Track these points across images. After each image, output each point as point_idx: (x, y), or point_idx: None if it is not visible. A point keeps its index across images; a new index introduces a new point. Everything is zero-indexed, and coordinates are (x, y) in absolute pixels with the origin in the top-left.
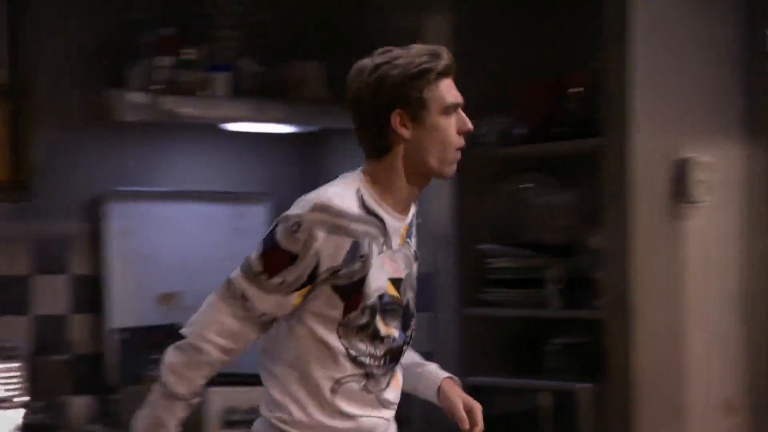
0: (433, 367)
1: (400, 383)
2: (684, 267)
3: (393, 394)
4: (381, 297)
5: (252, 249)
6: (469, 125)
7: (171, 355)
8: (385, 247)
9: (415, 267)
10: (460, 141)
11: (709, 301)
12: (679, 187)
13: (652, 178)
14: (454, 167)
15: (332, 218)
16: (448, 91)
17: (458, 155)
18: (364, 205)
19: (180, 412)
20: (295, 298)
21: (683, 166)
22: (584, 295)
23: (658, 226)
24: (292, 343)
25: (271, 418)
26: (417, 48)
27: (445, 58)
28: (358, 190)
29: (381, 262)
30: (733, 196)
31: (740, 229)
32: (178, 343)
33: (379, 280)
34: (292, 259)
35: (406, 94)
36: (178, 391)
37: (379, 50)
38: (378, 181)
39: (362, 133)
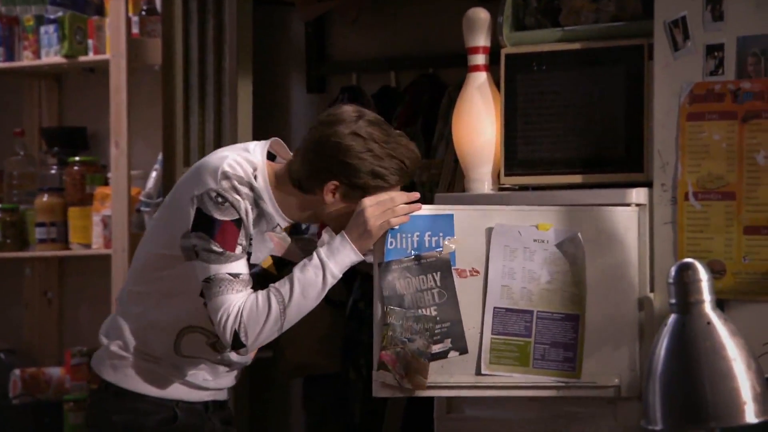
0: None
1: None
2: None
3: (239, 357)
4: (252, 266)
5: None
6: None
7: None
8: (278, 228)
9: None
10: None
11: None
12: None
13: None
14: None
15: (238, 185)
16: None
17: None
18: (255, 181)
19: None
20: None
21: None
22: None
23: None
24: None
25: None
26: (397, 145)
27: (412, 171)
28: (255, 170)
29: (268, 237)
30: None
31: None
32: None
33: (258, 251)
34: (237, 224)
35: (355, 179)
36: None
37: (371, 116)
38: (280, 188)
39: (301, 159)
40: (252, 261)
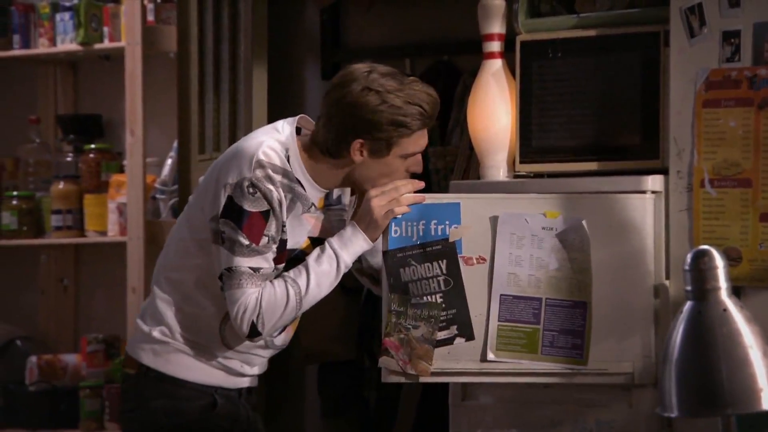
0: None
1: (293, 329)
2: None
3: (281, 341)
4: (292, 251)
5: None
6: (420, 168)
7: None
8: (313, 208)
9: None
10: (404, 177)
11: None
12: None
13: None
14: None
15: (272, 173)
16: (416, 141)
17: None
18: (289, 165)
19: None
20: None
21: None
22: None
23: None
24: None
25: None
26: (413, 91)
27: (432, 114)
28: (286, 150)
29: (305, 219)
30: None
31: None
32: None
33: (297, 236)
34: (266, 216)
35: (378, 133)
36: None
37: (382, 68)
38: (310, 159)
39: (323, 126)
40: (290, 246)
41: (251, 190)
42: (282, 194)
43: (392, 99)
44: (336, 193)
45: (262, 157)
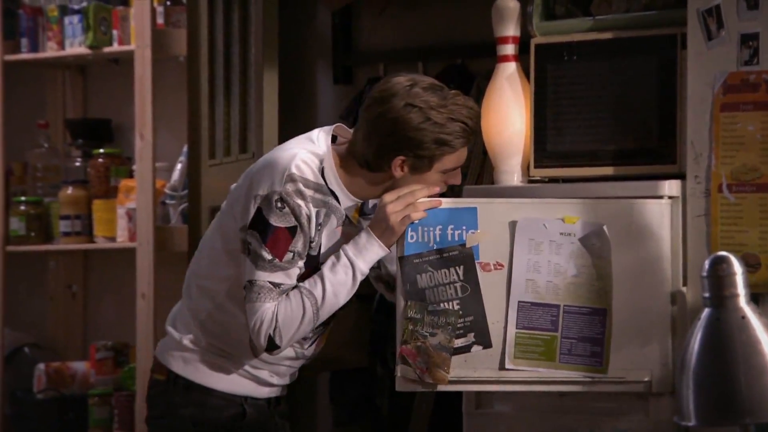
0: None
1: (325, 340)
2: None
3: (312, 351)
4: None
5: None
6: (458, 180)
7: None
8: (347, 221)
9: None
10: (441, 190)
11: None
12: None
13: None
14: None
15: (303, 188)
16: (458, 156)
17: None
18: (323, 177)
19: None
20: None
21: None
22: None
23: None
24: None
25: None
26: (456, 106)
27: (475, 129)
28: (321, 162)
29: (337, 233)
30: None
31: None
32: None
33: (330, 249)
34: (292, 231)
35: (420, 151)
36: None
37: (424, 82)
38: (346, 170)
39: (363, 140)
40: (324, 260)
41: (279, 204)
42: (312, 210)
43: (435, 116)
44: (372, 201)
45: (294, 170)
